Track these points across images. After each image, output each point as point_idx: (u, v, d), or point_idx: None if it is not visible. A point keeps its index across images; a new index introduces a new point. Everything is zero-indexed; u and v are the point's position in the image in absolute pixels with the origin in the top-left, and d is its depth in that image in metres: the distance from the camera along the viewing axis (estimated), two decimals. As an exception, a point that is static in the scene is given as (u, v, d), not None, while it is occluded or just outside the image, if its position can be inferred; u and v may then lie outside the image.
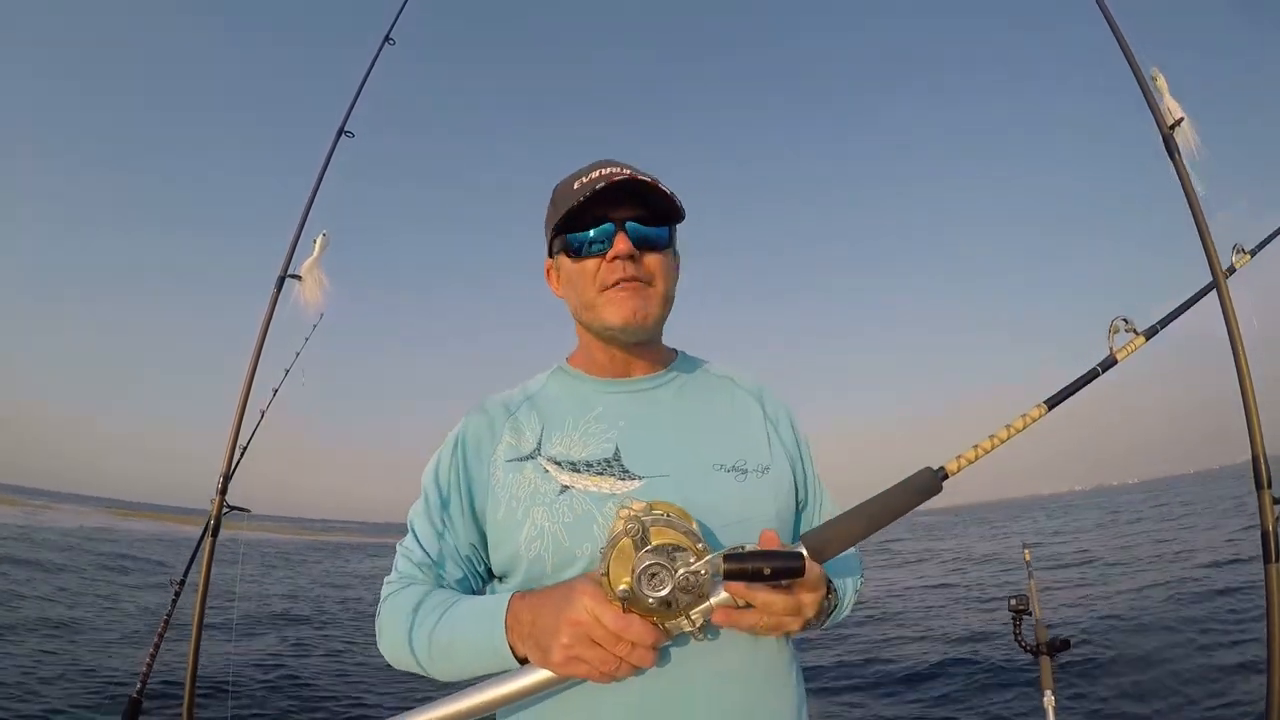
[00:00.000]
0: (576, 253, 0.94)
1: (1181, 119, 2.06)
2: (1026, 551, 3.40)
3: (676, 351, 1.08)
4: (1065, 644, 2.83)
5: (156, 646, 2.62)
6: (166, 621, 2.67)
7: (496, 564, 0.94)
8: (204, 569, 2.27)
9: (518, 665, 0.78)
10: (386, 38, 2.78)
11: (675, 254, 1.01)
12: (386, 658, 0.90)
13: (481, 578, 0.98)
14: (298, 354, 2.48)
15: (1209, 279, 1.90)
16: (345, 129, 2.55)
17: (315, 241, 2.35)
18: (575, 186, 0.92)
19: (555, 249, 0.99)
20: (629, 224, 0.91)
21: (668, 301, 0.97)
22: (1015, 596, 3.04)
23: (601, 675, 0.72)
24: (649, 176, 0.93)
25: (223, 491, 2.28)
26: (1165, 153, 2.04)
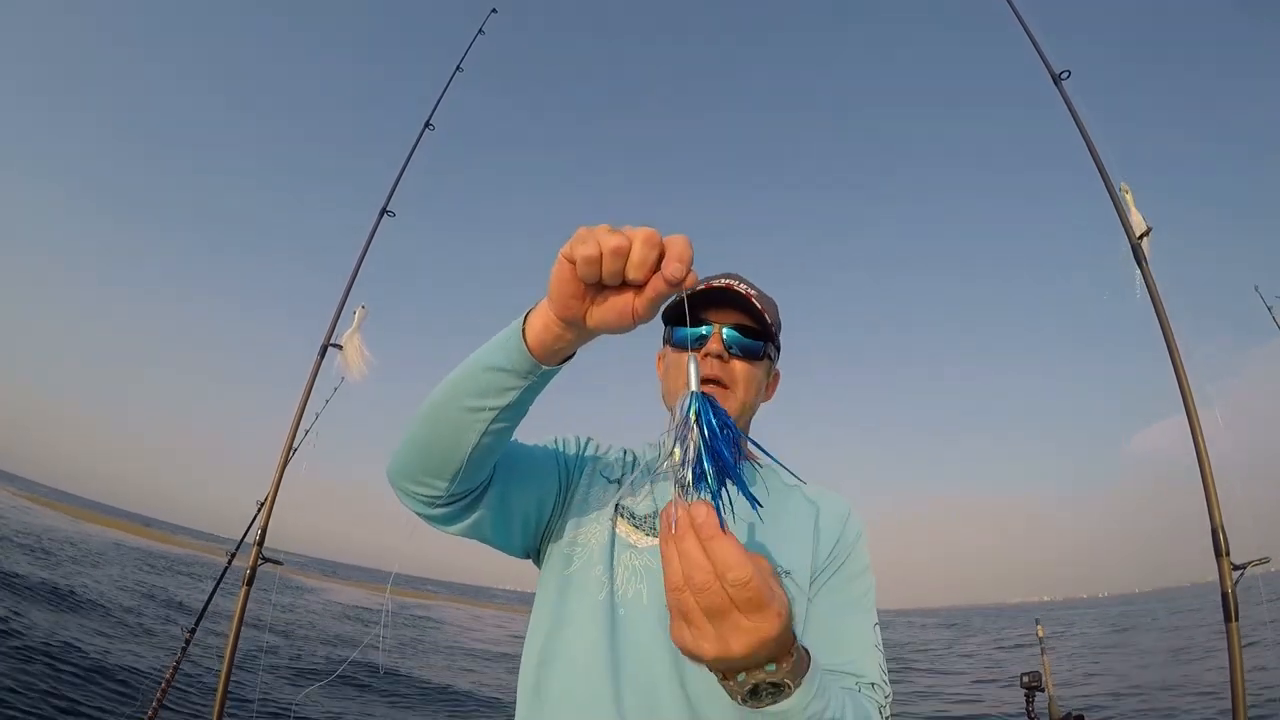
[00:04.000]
0: (679, 346, 1.05)
1: (1149, 229, 2.27)
2: (1040, 628, 3.44)
3: (756, 457, 1.10)
4: (1080, 719, 2.89)
5: (160, 699, 2.64)
6: (172, 674, 2.67)
7: (548, 529, 1.00)
8: (235, 622, 2.39)
9: (520, 338, 0.72)
10: (427, 123, 3.05)
11: (772, 371, 1.10)
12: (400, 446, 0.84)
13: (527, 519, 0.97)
14: (318, 415, 2.61)
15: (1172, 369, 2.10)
16: (387, 209, 2.79)
17: (355, 314, 2.56)
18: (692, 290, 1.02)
19: (665, 339, 1.11)
20: (726, 329, 1.02)
21: (745, 408, 1.03)
22: (1028, 673, 3.09)
23: (594, 250, 0.60)
24: (754, 291, 1.03)
25: (260, 543, 2.43)
26: (1134, 261, 2.25)
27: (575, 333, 0.69)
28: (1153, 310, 2.13)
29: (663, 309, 1.02)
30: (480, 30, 3.44)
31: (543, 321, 0.70)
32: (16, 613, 7.97)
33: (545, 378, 0.76)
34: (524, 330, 0.72)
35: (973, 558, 75.32)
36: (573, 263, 0.61)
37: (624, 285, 0.63)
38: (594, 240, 0.59)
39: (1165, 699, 9.05)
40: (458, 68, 3.27)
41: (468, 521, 0.88)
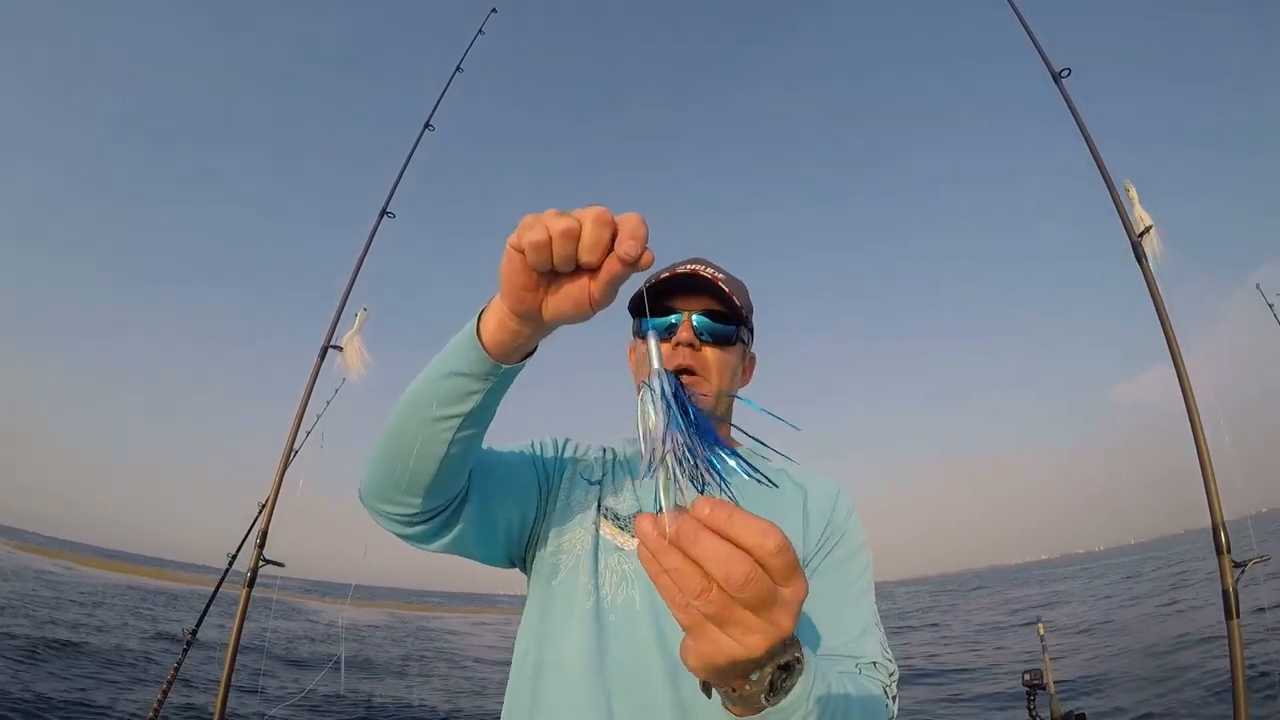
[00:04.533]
0: (645, 337, 1.05)
1: (1150, 226, 2.27)
2: (1041, 626, 3.39)
3: (739, 444, 1.05)
4: (1081, 718, 2.87)
5: (160, 705, 2.64)
6: (174, 675, 2.67)
7: (531, 537, 0.97)
8: (237, 623, 2.38)
9: (475, 339, 0.68)
10: (427, 124, 3.05)
11: (747, 354, 1.06)
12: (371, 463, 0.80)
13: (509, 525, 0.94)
14: (319, 416, 2.61)
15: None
16: (387, 210, 2.78)
17: (356, 316, 2.56)
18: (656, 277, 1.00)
19: (634, 331, 1.07)
20: (695, 316, 0.98)
21: (723, 395, 1.00)
22: (1029, 671, 3.05)
23: (542, 236, 0.56)
24: (721, 275, 0.99)
25: (261, 545, 2.42)
26: (1134, 258, 2.24)
27: (532, 327, 0.66)
28: (1153, 307, 2.13)
29: (629, 301, 0.99)
30: (480, 30, 3.44)
31: (497, 319, 0.66)
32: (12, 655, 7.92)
33: (507, 377, 0.72)
34: (479, 330, 0.68)
35: (966, 523, 73.55)
36: (522, 252, 0.57)
37: (578, 271, 0.59)
38: (542, 225, 0.56)
39: (1166, 648, 9.25)
40: (458, 68, 3.27)
41: (448, 538, 0.85)
